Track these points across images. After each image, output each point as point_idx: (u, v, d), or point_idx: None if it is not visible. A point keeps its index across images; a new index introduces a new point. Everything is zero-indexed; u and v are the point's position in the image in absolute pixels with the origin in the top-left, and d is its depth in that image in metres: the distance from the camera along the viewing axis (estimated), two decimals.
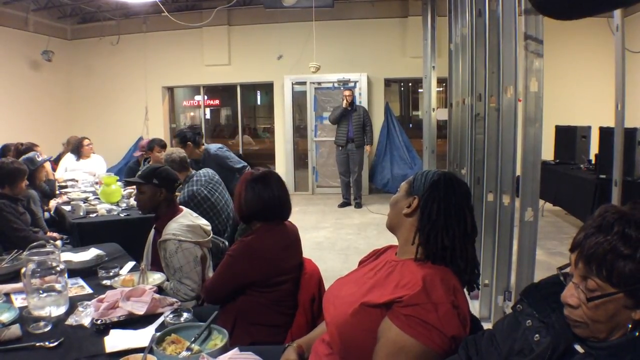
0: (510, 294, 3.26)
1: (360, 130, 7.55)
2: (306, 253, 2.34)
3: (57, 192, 4.74)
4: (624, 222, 0.94)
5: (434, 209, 1.42)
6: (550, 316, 1.07)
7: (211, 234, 2.74)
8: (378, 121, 8.82)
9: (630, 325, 0.94)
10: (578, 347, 1.01)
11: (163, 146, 5.24)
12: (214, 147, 4.61)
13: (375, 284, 1.43)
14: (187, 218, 2.65)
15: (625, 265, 0.91)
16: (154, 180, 2.65)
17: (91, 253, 2.65)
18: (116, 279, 2.28)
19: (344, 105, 7.52)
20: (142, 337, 1.68)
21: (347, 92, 7.59)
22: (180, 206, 2.79)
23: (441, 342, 1.26)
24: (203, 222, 2.71)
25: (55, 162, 6.21)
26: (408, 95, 10.87)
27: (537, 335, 1.08)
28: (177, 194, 2.98)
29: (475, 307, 3.60)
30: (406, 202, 1.49)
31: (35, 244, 2.20)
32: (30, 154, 4.24)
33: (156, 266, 2.61)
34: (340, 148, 7.70)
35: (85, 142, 6.07)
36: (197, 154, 4.46)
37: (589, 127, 6.08)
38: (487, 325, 1.40)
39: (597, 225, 0.97)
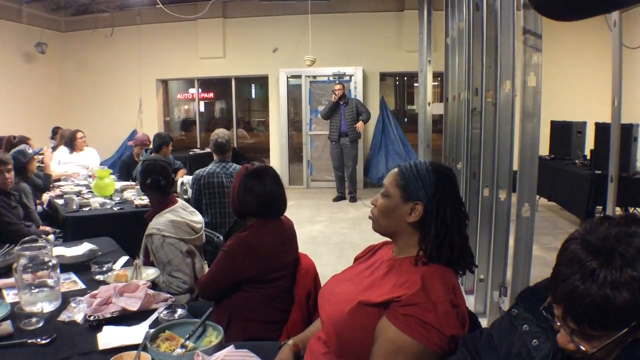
0: (506, 289, 3.26)
1: (354, 123, 7.48)
2: (301, 247, 2.33)
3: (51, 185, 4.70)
4: (607, 266, 0.85)
5: (447, 213, 1.38)
6: (548, 320, 1.04)
7: (201, 232, 2.72)
8: (373, 115, 8.77)
9: (630, 339, 0.91)
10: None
11: (167, 143, 5.20)
12: None
13: (373, 282, 1.42)
14: (175, 213, 2.63)
15: (620, 312, 0.84)
16: (147, 181, 2.71)
17: (84, 247, 2.61)
18: (109, 274, 2.26)
19: (332, 100, 7.49)
20: (136, 333, 1.67)
21: (337, 87, 7.51)
22: (178, 198, 2.78)
23: (440, 342, 1.25)
24: (192, 219, 2.69)
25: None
26: (403, 90, 10.85)
27: (535, 340, 1.06)
28: (177, 192, 2.98)
29: (470, 302, 3.60)
30: (406, 208, 1.40)
31: (27, 238, 2.17)
32: (21, 147, 4.18)
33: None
34: (333, 143, 7.65)
35: (79, 134, 6.00)
36: None
37: (584, 123, 6.10)
38: (482, 321, 1.39)
39: (580, 277, 0.87)
